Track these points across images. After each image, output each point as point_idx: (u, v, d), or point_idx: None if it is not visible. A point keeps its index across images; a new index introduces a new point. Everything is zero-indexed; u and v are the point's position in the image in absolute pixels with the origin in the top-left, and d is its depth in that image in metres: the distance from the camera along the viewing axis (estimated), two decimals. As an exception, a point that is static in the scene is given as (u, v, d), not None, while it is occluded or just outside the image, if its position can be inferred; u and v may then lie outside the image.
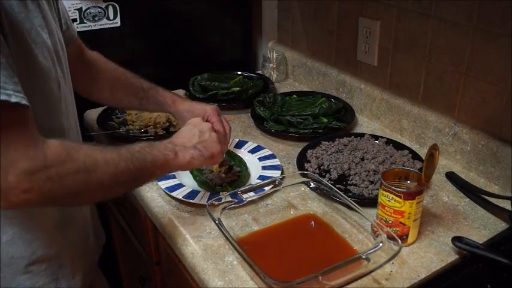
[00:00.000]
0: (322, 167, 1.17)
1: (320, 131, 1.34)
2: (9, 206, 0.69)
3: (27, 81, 0.77)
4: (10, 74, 0.68)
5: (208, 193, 1.06)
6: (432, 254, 0.91)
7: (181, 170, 1.10)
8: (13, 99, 0.67)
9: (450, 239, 0.92)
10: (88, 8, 1.39)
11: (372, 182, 1.10)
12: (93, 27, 1.42)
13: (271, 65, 1.72)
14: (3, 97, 0.66)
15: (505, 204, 1.01)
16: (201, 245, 0.94)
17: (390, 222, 0.90)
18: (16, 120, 0.68)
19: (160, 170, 0.88)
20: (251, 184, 1.07)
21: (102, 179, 0.76)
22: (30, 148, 0.68)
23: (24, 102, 0.68)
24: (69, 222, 0.96)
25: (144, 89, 1.16)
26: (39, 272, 0.91)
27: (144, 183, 0.93)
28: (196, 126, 0.97)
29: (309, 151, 1.23)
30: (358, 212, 0.90)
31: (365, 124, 1.43)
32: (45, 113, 0.85)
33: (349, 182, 1.11)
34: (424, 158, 0.93)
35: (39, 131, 0.77)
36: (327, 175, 1.14)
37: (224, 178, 1.11)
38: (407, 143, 1.28)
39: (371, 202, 1.00)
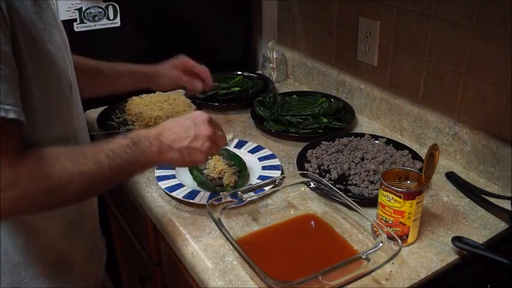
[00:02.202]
0: (322, 167, 1.17)
1: (320, 131, 1.34)
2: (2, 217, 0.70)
3: (42, 84, 0.77)
4: (11, 88, 0.67)
5: (208, 193, 1.06)
6: (432, 254, 0.91)
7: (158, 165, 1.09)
8: (10, 115, 0.66)
9: (450, 239, 0.92)
10: (88, 8, 1.39)
11: (372, 182, 1.10)
12: (93, 27, 1.42)
13: (271, 65, 1.72)
14: (1, 113, 0.65)
15: (505, 204, 1.01)
16: (201, 245, 0.94)
17: (390, 222, 0.90)
18: (6, 137, 0.68)
19: (141, 169, 0.87)
20: (251, 184, 1.07)
21: (78, 190, 0.75)
22: (7, 168, 0.67)
23: (21, 118, 0.68)
24: (81, 223, 0.96)
25: (113, 67, 1.16)
26: (56, 274, 0.91)
27: (123, 181, 0.95)
28: (196, 126, 0.89)
29: (309, 151, 1.23)
30: (358, 212, 0.90)
31: (365, 124, 1.43)
32: (59, 115, 0.84)
33: (349, 182, 1.11)
34: (424, 158, 0.93)
35: (51, 134, 0.79)
36: (327, 175, 1.14)
37: (224, 178, 1.11)
38: (407, 143, 1.28)
39: (371, 202, 1.00)
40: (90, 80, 1.13)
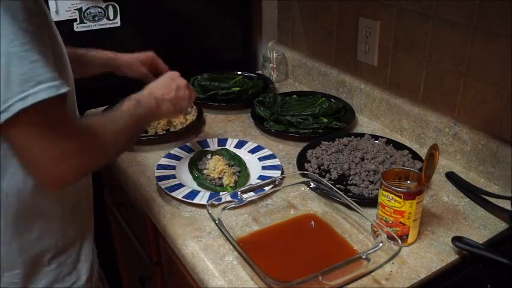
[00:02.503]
0: (322, 167, 1.17)
1: (320, 131, 1.34)
2: (62, 187, 0.78)
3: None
4: (54, 68, 0.73)
5: (208, 193, 1.06)
6: (432, 254, 0.91)
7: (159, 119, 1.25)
8: (64, 90, 0.72)
9: (450, 239, 0.92)
10: (88, 8, 1.39)
11: (372, 182, 1.10)
12: (93, 27, 1.42)
13: (271, 65, 1.72)
14: (67, 89, 0.72)
15: (505, 204, 1.01)
16: (201, 245, 0.94)
17: (390, 222, 0.90)
18: (66, 109, 0.76)
19: (148, 121, 1.07)
20: (251, 184, 1.07)
21: (121, 145, 0.90)
22: (77, 136, 0.77)
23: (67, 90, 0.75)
24: (80, 204, 0.99)
25: (82, 54, 1.18)
26: (61, 263, 0.94)
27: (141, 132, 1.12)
28: (174, 80, 1.08)
29: (309, 151, 1.23)
30: (358, 212, 0.90)
31: (365, 124, 1.43)
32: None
33: (349, 182, 1.11)
34: (424, 158, 0.93)
35: None
36: (327, 175, 1.14)
37: (224, 178, 1.12)
38: (407, 143, 1.28)
39: (371, 202, 1.00)
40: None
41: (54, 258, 0.92)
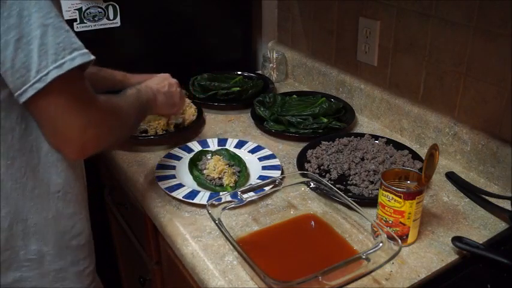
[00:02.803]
0: (322, 167, 1.17)
1: (320, 131, 1.34)
2: (84, 156, 0.82)
3: None
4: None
5: (208, 193, 1.06)
6: (432, 254, 0.91)
7: (154, 113, 1.25)
8: (92, 57, 0.77)
9: (450, 239, 0.92)
10: (88, 8, 1.39)
11: (372, 182, 1.10)
12: (93, 27, 1.42)
13: (271, 65, 1.72)
14: (93, 57, 0.76)
15: (505, 204, 1.01)
16: (201, 245, 0.94)
17: (390, 222, 0.90)
18: (86, 80, 0.79)
19: (149, 110, 1.08)
20: (251, 184, 1.07)
21: (134, 122, 0.98)
22: (100, 105, 0.80)
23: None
24: (85, 192, 0.99)
25: (93, 73, 1.18)
26: (79, 247, 0.95)
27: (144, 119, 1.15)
28: (167, 79, 1.19)
29: (309, 151, 1.23)
30: (358, 212, 0.90)
31: (365, 124, 1.43)
32: None
33: (349, 182, 1.11)
34: (424, 158, 0.93)
35: None
36: (327, 175, 1.14)
37: (224, 178, 1.12)
38: (407, 143, 1.28)
39: (371, 202, 1.00)
40: None
41: (71, 241, 0.93)
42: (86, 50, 0.75)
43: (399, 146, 1.24)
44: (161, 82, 1.16)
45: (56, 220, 0.89)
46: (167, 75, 1.22)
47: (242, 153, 1.23)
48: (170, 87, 1.18)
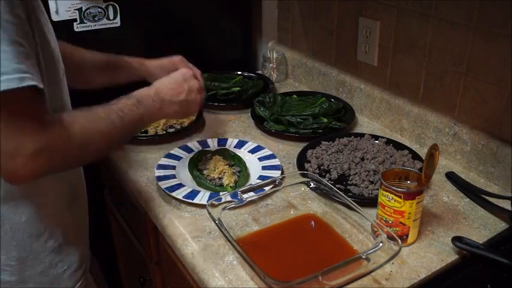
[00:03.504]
0: (322, 167, 1.17)
1: (320, 131, 1.34)
2: (18, 183, 0.77)
3: (45, 67, 0.82)
4: (33, 64, 0.73)
5: (208, 193, 1.06)
6: (432, 254, 0.91)
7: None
8: (40, 86, 0.72)
9: (450, 239, 0.92)
10: (88, 8, 1.39)
11: (372, 182, 1.10)
12: (93, 27, 1.42)
13: (271, 65, 1.72)
14: (34, 82, 0.70)
15: (505, 204, 1.01)
16: (201, 245, 0.94)
17: (390, 222, 0.90)
18: (36, 105, 0.74)
19: (147, 123, 0.99)
20: (251, 184, 1.07)
21: (98, 147, 0.84)
22: (38, 133, 0.73)
23: (45, 90, 0.74)
24: (76, 198, 0.99)
25: (111, 62, 1.17)
26: (54, 249, 0.94)
27: (134, 135, 1.03)
28: (187, 81, 1.04)
29: (309, 151, 1.23)
30: (358, 212, 0.90)
31: (365, 124, 1.43)
32: (56, 101, 0.89)
33: (349, 182, 1.11)
34: (424, 158, 0.93)
35: (50, 111, 0.83)
36: (327, 175, 1.14)
37: (224, 178, 1.12)
38: (407, 143, 1.28)
39: (371, 202, 1.00)
40: (97, 73, 1.18)
41: (46, 244, 0.92)
42: (18, 75, 0.69)
43: (399, 146, 1.24)
44: (179, 86, 1.02)
45: (28, 224, 0.89)
46: (189, 74, 1.06)
47: (242, 153, 1.23)
48: (189, 93, 1.03)
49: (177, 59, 1.18)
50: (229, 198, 0.95)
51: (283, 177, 1.06)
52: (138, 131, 1.01)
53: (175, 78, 1.03)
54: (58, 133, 0.76)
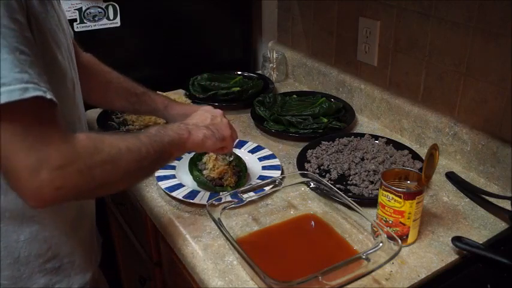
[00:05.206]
0: (322, 167, 1.17)
1: (320, 131, 1.34)
2: (42, 204, 0.68)
3: (49, 79, 0.77)
4: (40, 72, 0.68)
5: (208, 193, 1.06)
6: (432, 254, 0.91)
7: (197, 151, 1.10)
8: (48, 96, 0.67)
9: (450, 239, 0.92)
10: (88, 8, 1.39)
11: (372, 182, 1.10)
12: (93, 27, 1.42)
13: (271, 65, 1.72)
14: (39, 93, 0.65)
15: (505, 204, 1.01)
16: (201, 245, 0.94)
17: (390, 222, 0.90)
18: (49, 116, 0.68)
19: (177, 149, 0.90)
20: (251, 184, 1.07)
21: (128, 167, 0.77)
22: (61, 144, 0.68)
23: (55, 100, 0.69)
24: (82, 219, 0.97)
25: (136, 94, 1.16)
26: (53, 270, 0.91)
27: (164, 164, 0.93)
28: (208, 111, 1.02)
29: (309, 151, 1.23)
30: (358, 212, 0.90)
31: (365, 124, 1.43)
32: (63, 112, 0.84)
33: (349, 182, 1.11)
34: (424, 158, 0.93)
35: None
36: (327, 175, 1.14)
37: (224, 178, 1.11)
38: (407, 143, 1.28)
39: (371, 202, 1.00)
40: (118, 99, 1.16)
41: (45, 264, 0.90)
42: (20, 86, 0.64)
43: (399, 146, 1.24)
44: (201, 116, 1.00)
45: (27, 243, 0.85)
46: (209, 107, 1.06)
47: (242, 153, 1.23)
48: (214, 119, 1.00)
49: (204, 108, 1.10)
50: (229, 198, 0.95)
51: (283, 177, 1.06)
52: (170, 157, 0.89)
53: (197, 113, 1.02)
54: (85, 145, 0.70)
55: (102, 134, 0.78)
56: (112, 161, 0.74)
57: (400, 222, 0.90)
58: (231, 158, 1.13)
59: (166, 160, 0.89)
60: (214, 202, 0.92)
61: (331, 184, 0.99)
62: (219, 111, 1.04)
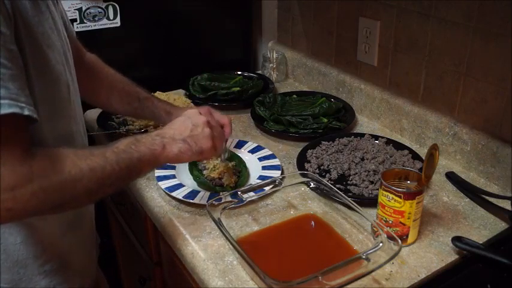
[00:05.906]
0: (322, 167, 1.17)
1: (320, 131, 1.34)
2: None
3: (40, 86, 0.77)
4: (22, 86, 0.67)
5: (208, 193, 1.06)
6: (432, 254, 0.91)
7: (171, 163, 1.07)
8: (26, 112, 0.66)
9: (450, 239, 0.92)
10: (88, 8, 1.39)
11: (372, 182, 1.10)
12: (93, 27, 1.42)
13: (271, 65, 1.72)
14: (16, 110, 0.64)
15: (505, 204, 1.01)
16: (201, 245, 0.94)
17: (390, 222, 0.90)
18: (16, 134, 0.67)
19: (148, 165, 0.85)
20: (251, 184, 1.07)
21: (88, 186, 0.74)
22: (17, 164, 0.66)
23: (35, 116, 0.68)
24: (81, 220, 0.97)
25: (139, 99, 1.16)
26: (52, 271, 0.91)
27: (133, 179, 0.90)
28: (191, 118, 0.93)
29: (309, 151, 1.23)
30: (358, 212, 0.90)
31: (365, 124, 1.43)
32: (55, 118, 0.84)
33: (349, 182, 1.11)
34: (424, 158, 0.93)
35: (48, 136, 0.79)
36: (327, 175, 1.14)
37: (224, 178, 1.11)
38: (407, 143, 1.28)
39: (371, 202, 1.00)
40: (121, 103, 1.16)
41: (44, 266, 0.89)
42: None
43: (399, 146, 1.24)
44: (181, 125, 0.91)
45: (24, 245, 0.85)
46: (193, 112, 0.96)
47: (242, 153, 1.23)
48: (194, 129, 0.91)
49: (202, 110, 1.04)
50: (229, 198, 0.95)
51: (283, 177, 1.06)
52: (140, 173, 0.85)
53: (178, 120, 0.94)
54: (43, 165, 0.68)
55: (68, 150, 0.74)
56: (72, 181, 0.72)
57: (400, 222, 0.90)
58: (226, 156, 1.12)
59: (135, 175, 0.85)
60: (214, 202, 0.92)
61: (331, 184, 0.99)
62: (202, 119, 0.93)
